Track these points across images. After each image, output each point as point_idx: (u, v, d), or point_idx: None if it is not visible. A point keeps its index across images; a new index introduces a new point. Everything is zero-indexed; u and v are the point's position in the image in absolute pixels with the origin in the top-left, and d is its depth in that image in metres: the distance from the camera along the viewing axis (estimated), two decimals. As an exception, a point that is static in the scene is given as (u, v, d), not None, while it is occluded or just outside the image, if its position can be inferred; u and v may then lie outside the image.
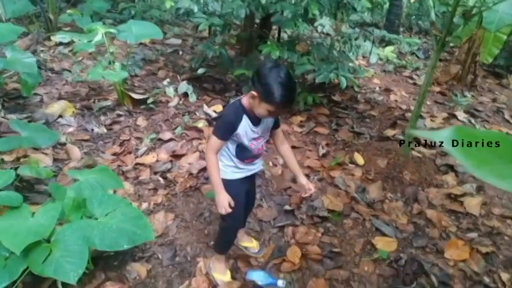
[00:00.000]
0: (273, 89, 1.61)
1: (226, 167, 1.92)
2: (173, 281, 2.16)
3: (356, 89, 4.90)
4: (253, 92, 1.67)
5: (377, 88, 5.19)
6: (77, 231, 1.74)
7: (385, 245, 2.53)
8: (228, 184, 1.89)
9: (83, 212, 1.97)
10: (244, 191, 2.04)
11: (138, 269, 2.20)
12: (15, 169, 2.26)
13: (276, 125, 1.96)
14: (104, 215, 1.85)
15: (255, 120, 1.80)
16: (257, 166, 2.06)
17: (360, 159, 3.40)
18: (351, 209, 2.85)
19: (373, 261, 2.41)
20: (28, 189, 2.59)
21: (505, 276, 2.34)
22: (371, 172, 3.24)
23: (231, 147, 1.87)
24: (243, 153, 1.90)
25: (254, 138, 1.86)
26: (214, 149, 1.80)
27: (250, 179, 2.13)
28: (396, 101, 4.82)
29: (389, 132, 3.89)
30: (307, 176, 3.14)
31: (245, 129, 1.79)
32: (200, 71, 4.45)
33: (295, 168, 2.06)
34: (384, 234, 2.63)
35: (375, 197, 2.98)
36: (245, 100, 1.77)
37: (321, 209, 2.79)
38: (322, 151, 3.49)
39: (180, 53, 5.65)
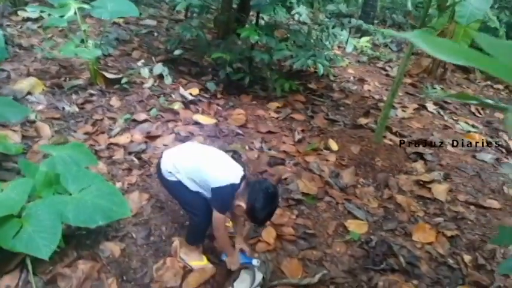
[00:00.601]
0: (261, 216, 1.86)
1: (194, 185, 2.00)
2: (147, 260, 2.15)
3: (331, 78, 4.97)
4: (243, 207, 1.85)
5: (351, 78, 5.29)
6: (50, 207, 1.69)
7: (357, 227, 2.61)
8: (187, 189, 2.00)
9: (54, 189, 1.91)
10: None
11: (111, 248, 2.16)
12: (-18, 144, 2.17)
13: None
14: (78, 191, 1.80)
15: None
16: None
17: (334, 145, 3.46)
18: (325, 192, 2.91)
19: (345, 242, 2.49)
20: (-5, 166, 2.49)
21: (467, 258, 2.47)
22: (344, 158, 3.32)
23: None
24: None
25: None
26: (224, 221, 1.97)
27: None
28: (369, 90, 4.93)
29: (363, 121, 3.98)
30: (282, 160, 3.18)
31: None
32: (176, 52, 4.37)
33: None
34: (355, 217, 2.71)
35: (347, 181, 3.05)
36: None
37: (296, 192, 2.83)
38: (298, 137, 3.53)
39: (155, 34, 5.52)
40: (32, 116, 3.14)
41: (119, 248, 2.18)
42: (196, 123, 3.47)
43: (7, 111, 2.16)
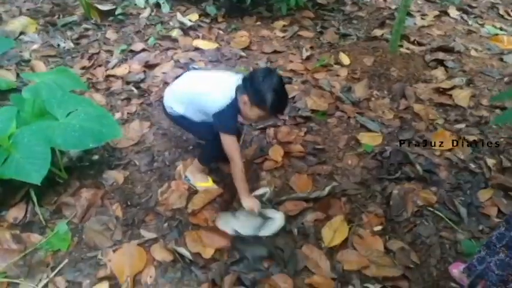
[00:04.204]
0: (266, 93, 1.63)
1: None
2: (152, 185, 2.11)
3: (343, -9, 4.54)
4: (245, 97, 1.69)
5: (365, -11, 4.82)
6: (37, 133, 1.62)
7: (370, 139, 2.46)
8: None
9: (46, 118, 1.83)
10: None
11: (115, 176, 2.13)
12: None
13: None
14: (65, 116, 1.71)
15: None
16: None
17: (345, 59, 3.21)
18: (336, 108, 2.73)
19: (357, 155, 2.36)
20: (-9, 105, 2.44)
21: (491, 161, 2.30)
22: (357, 71, 3.08)
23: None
24: None
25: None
26: (236, 146, 1.79)
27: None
28: (385, 1, 4.49)
29: (377, 32, 3.66)
30: (290, 78, 2.98)
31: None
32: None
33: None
34: (369, 130, 2.54)
35: (360, 95, 2.85)
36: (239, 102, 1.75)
37: (304, 109, 2.67)
38: (306, 54, 3.29)
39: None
40: (27, 55, 3.04)
41: (123, 175, 2.14)
42: (197, 49, 3.28)
43: (-14, 44, 2.05)
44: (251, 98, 1.67)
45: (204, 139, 2.05)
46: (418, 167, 2.23)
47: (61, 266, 1.68)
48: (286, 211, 1.97)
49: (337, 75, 3.07)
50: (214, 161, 2.15)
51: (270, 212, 1.87)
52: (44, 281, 1.62)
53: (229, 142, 1.77)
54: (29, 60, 2.98)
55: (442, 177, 2.20)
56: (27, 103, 1.83)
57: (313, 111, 2.67)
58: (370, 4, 4.40)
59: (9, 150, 1.58)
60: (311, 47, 3.44)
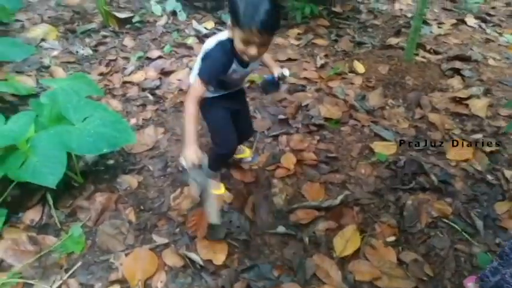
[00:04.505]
0: (239, 6, 1.35)
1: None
2: (164, 190, 2.12)
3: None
4: (230, 24, 1.46)
5: (381, -3, 4.81)
6: (53, 137, 1.66)
7: (384, 148, 2.43)
8: (207, 102, 1.71)
9: (62, 123, 1.88)
10: (229, 109, 1.86)
11: (129, 181, 2.16)
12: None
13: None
14: (81, 121, 1.75)
15: (244, 63, 1.60)
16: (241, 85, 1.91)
17: (360, 67, 3.20)
18: (350, 116, 2.72)
19: (371, 164, 2.33)
20: (11, 110, 2.50)
21: (508, 173, 2.25)
22: (371, 80, 3.07)
23: None
24: (223, 85, 1.74)
25: (243, 76, 1.74)
26: (197, 95, 1.51)
27: (237, 96, 1.90)
28: (401, 9, 4.47)
29: (393, 41, 3.64)
30: (303, 86, 2.98)
31: (233, 72, 1.61)
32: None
33: (270, 62, 1.89)
34: (383, 139, 2.52)
35: (375, 104, 2.83)
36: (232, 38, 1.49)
37: (318, 117, 2.67)
38: (320, 62, 3.29)
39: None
40: (47, 61, 3.12)
41: (136, 180, 2.17)
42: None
43: (9, 51, 2.11)
44: (231, 20, 1.44)
45: (213, 141, 1.94)
46: (433, 177, 2.20)
47: (74, 268, 1.70)
48: (298, 219, 1.96)
49: (352, 84, 3.06)
50: (221, 166, 2.13)
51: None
52: (58, 283, 1.64)
53: (195, 86, 1.52)
54: (48, 67, 3.06)
55: (457, 188, 2.16)
56: (45, 108, 1.88)
57: (326, 119, 2.66)
58: (386, 12, 4.39)
59: (27, 153, 1.62)
60: (325, 55, 3.44)
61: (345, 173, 2.28)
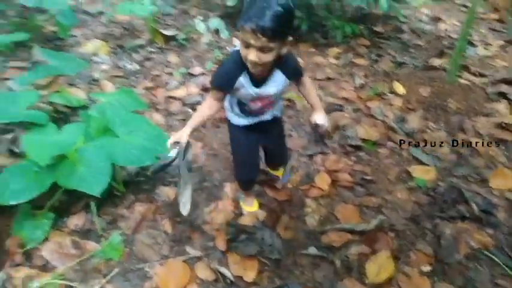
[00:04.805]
0: (249, 6, 1.25)
1: (229, 111, 1.73)
2: (200, 203, 2.18)
3: (401, 19, 4.50)
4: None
5: (425, 17, 4.73)
6: (100, 148, 1.77)
7: (423, 173, 2.38)
8: (232, 129, 1.77)
9: (109, 135, 1.99)
10: (251, 139, 1.81)
11: (167, 192, 2.24)
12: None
13: (296, 76, 1.62)
14: (126, 134, 1.86)
15: (258, 80, 1.47)
16: (269, 114, 1.74)
17: (400, 88, 3.16)
18: (388, 138, 2.69)
19: (408, 189, 2.29)
20: (64, 120, 2.68)
21: (558, 206, 2.13)
22: (412, 101, 3.02)
23: (231, 96, 1.65)
24: (244, 107, 1.64)
25: (257, 98, 1.55)
26: (211, 98, 1.56)
27: (265, 130, 1.80)
28: (446, 30, 4.38)
29: (436, 62, 3.57)
30: (341, 106, 2.98)
31: (242, 88, 1.49)
32: (229, 3, 4.21)
33: (315, 101, 1.72)
34: (422, 163, 2.47)
35: (414, 126, 2.78)
36: None
37: (355, 138, 2.65)
38: (359, 82, 3.28)
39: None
40: (97, 75, 3.31)
41: (174, 192, 2.24)
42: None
43: (65, 65, 2.28)
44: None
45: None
46: (474, 206, 2.12)
47: (112, 274, 1.78)
48: (330, 241, 1.95)
49: (391, 105, 3.02)
50: (248, 188, 2.10)
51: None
52: (96, 287, 1.72)
53: (208, 96, 1.58)
54: (98, 80, 3.25)
55: (500, 219, 2.07)
56: (93, 120, 2.00)
57: (363, 140, 2.64)
58: (429, 32, 4.31)
59: (75, 163, 1.73)
60: (365, 75, 3.43)
61: (381, 196, 2.24)
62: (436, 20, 4.63)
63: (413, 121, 2.81)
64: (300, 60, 3.62)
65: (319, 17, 3.98)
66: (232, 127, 1.79)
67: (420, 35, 4.19)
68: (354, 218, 2.10)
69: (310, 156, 2.52)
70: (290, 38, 1.36)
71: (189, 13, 4.69)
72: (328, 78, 3.36)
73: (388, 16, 4.42)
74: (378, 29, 4.25)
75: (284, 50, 1.39)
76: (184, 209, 1.68)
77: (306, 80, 1.69)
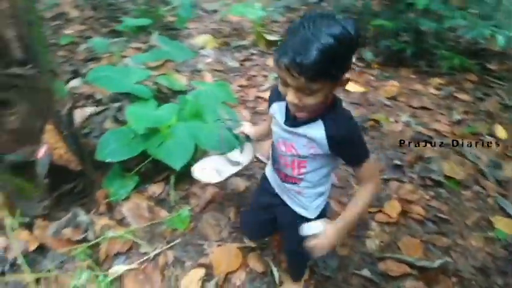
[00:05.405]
0: (287, 35, 1.01)
1: None
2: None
3: (521, 60, 4.12)
4: None
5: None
6: (188, 129, 1.96)
7: (506, 226, 2.17)
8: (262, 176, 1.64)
9: (199, 119, 2.19)
10: (262, 202, 1.61)
11: (237, 183, 2.37)
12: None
13: (350, 161, 1.25)
14: (213, 121, 2.03)
15: (291, 117, 1.20)
16: (283, 196, 1.46)
17: (501, 132, 2.91)
18: (475, 181, 2.50)
19: (485, 238, 2.11)
20: (164, 100, 2.98)
21: None
22: (512, 149, 2.76)
23: None
24: (273, 151, 1.42)
25: (284, 140, 1.27)
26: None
27: (276, 204, 1.50)
28: None
29: (552, 113, 3.20)
30: (430, 137, 2.85)
31: (276, 116, 1.28)
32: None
33: (351, 205, 1.28)
34: (507, 215, 2.25)
35: (510, 175, 2.54)
36: None
37: (437, 173, 2.52)
38: (456, 117, 3.09)
39: (325, 4, 5.54)
40: (200, 66, 3.61)
41: (244, 184, 2.37)
42: (343, 89, 3.40)
43: (176, 52, 2.55)
44: None
45: None
46: (562, 274, 1.89)
47: (174, 242, 1.96)
48: (387, 269, 1.90)
49: (487, 148, 2.80)
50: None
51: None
52: (158, 250, 1.91)
53: None
54: (200, 71, 3.54)
55: None
56: (188, 104, 2.21)
57: (447, 177, 2.50)
58: (552, 79, 3.87)
59: (165, 137, 1.94)
60: (464, 112, 3.22)
61: (452, 238, 2.11)
62: None
63: (509, 169, 2.57)
64: (397, 83, 3.52)
65: (427, 43, 3.83)
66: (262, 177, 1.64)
67: (540, 80, 3.79)
68: (417, 252, 2.01)
69: (386, 181, 2.45)
70: (347, 76, 1.04)
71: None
72: (424, 108, 3.22)
73: (505, 54, 4.08)
74: (491, 66, 3.95)
75: (335, 90, 1.10)
76: (198, 173, 1.69)
77: (370, 167, 1.22)
